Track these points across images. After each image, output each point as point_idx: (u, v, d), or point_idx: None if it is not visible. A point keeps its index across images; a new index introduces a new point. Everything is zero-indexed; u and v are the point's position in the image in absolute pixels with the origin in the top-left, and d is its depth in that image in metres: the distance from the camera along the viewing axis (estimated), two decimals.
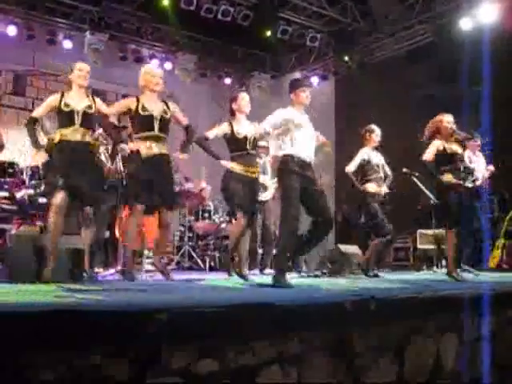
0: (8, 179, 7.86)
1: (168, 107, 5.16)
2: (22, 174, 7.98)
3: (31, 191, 7.94)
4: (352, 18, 10.44)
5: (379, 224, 6.31)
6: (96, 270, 6.66)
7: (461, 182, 5.55)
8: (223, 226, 9.06)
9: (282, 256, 4.48)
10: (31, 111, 5.62)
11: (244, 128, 5.58)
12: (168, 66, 10.94)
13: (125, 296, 3.40)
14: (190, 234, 9.21)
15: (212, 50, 11.64)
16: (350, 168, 6.48)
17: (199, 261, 8.92)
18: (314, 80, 12.12)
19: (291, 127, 4.55)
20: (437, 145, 5.64)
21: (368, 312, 2.87)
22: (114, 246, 6.90)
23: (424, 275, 7.12)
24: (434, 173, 5.62)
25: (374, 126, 6.66)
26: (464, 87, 7.83)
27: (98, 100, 5.02)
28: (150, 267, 6.83)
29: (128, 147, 5.02)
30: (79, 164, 4.73)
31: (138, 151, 4.97)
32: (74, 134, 4.77)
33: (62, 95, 4.85)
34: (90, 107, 4.86)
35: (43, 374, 1.92)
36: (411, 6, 9.87)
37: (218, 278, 5.83)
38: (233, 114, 5.67)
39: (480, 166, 7.47)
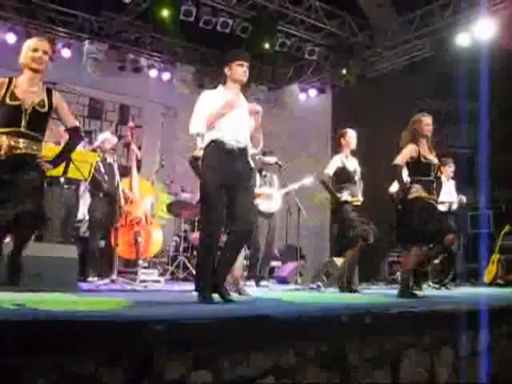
0: None
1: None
2: None
3: None
4: (350, 31, 10.50)
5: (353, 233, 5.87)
6: (90, 279, 6.65)
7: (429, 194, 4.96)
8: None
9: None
10: None
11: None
12: (166, 76, 10.96)
13: (120, 306, 3.38)
14: (186, 245, 9.18)
15: (210, 61, 11.66)
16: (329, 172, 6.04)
17: (194, 272, 8.88)
18: (312, 93, 12.24)
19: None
20: (411, 150, 5.03)
21: (363, 325, 2.86)
22: (109, 256, 6.87)
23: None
24: (401, 181, 5.04)
25: (349, 129, 6.21)
26: (461, 101, 7.88)
27: None
28: (144, 277, 6.81)
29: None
30: None
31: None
32: None
33: None
34: None
35: (38, 381, 1.90)
36: (409, 21, 9.94)
37: None
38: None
39: (452, 192, 7.45)
